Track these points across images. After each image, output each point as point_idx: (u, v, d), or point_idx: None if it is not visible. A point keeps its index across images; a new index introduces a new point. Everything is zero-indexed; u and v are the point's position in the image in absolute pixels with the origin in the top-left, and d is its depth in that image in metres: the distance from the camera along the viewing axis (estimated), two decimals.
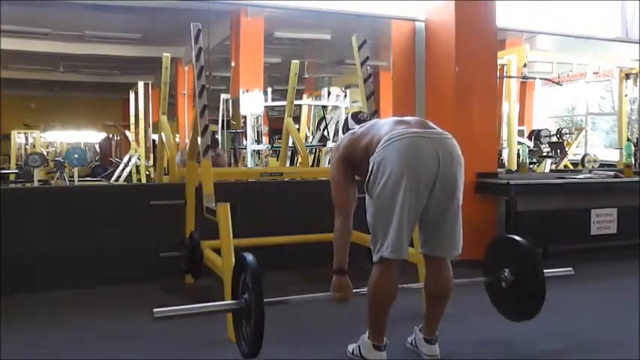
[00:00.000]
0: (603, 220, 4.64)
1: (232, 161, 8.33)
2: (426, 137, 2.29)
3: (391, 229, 2.26)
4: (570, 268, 2.95)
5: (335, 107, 8.62)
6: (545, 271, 2.67)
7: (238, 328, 2.41)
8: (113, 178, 9.90)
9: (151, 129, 9.76)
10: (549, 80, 9.71)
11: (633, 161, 6.59)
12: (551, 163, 8.35)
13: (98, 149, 16.88)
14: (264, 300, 2.24)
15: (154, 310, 2.26)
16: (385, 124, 2.40)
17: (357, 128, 2.59)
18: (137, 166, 9.73)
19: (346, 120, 2.86)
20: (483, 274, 2.87)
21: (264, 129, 8.48)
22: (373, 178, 2.30)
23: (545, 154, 8.59)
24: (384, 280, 2.35)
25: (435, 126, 2.40)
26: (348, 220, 2.42)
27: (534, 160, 8.19)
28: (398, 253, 2.28)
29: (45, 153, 11.37)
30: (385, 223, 2.28)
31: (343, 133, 2.79)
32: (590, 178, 5.08)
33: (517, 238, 2.76)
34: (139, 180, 9.47)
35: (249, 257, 2.32)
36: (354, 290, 2.43)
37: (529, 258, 2.67)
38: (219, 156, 6.27)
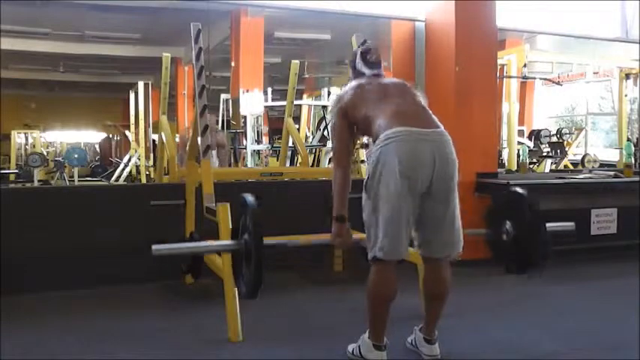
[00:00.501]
0: (603, 220, 4.63)
1: (232, 161, 8.33)
2: (423, 139, 2.31)
3: (385, 229, 2.28)
4: (572, 223, 2.93)
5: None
6: (548, 225, 2.65)
7: (238, 269, 2.42)
8: (113, 178, 9.91)
9: (150, 129, 9.75)
10: (549, 80, 9.71)
11: (633, 161, 6.61)
12: (551, 163, 8.35)
13: (98, 149, 16.88)
14: (264, 242, 2.25)
15: (153, 246, 2.26)
16: (386, 110, 2.40)
17: (364, 78, 2.59)
18: (137, 166, 9.73)
19: (355, 55, 2.71)
20: (485, 228, 2.84)
21: (264, 129, 8.48)
22: (371, 177, 2.33)
23: (545, 154, 8.59)
24: (382, 280, 2.37)
25: (430, 118, 2.41)
26: (346, 170, 2.50)
27: (534, 160, 8.19)
28: (391, 254, 2.31)
29: (45, 153, 11.36)
30: (379, 223, 2.30)
31: (351, 70, 2.72)
32: (590, 178, 5.08)
33: (520, 191, 2.75)
34: (139, 180, 9.47)
35: (250, 198, 2.32)
36: (354, 236, 2.49)
37: (531, 211, 2.65)
38: (222, 147, 6.04)
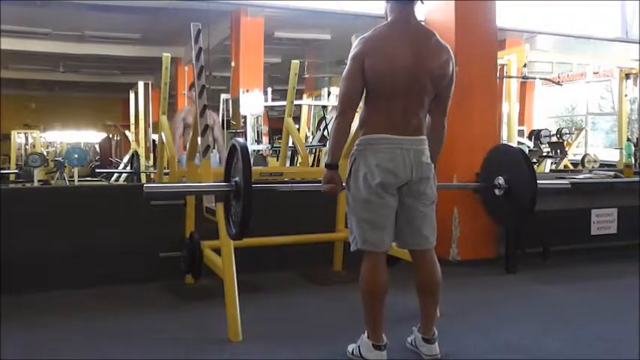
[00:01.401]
0: (603, 220, 4.63)
1: None
2: (402, 147, 2.40)
3: (363, 222, 2.41)
4: (567, 182, 2.94)
5: (335, 107, 8.61)
6: (540, 182, 2.68)
7: (228, 211, 2.51)
8: (113, 178, 9.91)
9: (150, 129, 9.75)
10: (549, 80, 9.71)
11: (633, 161, 6.61)
12: (551, 163, 8.35)
13: (98, 149, 16.88)
14: (254, 185, 2.33)
15: (145, 184, 2.28)
16: (384, 105, 2.41)
17: (393, 18, 2.45)
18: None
19: None
20: (479, 182, 2.86)
21: (264, 129, 8.48)
22: (353, 175, 2.44)
23: (545, 154, 8.59)
24: (371, 275, 2.43)
25: (416, 125, 2.43)
26: (347, 119, 2.46)
27: (534, 160, 8.19)
28: (368, 245, 2.41)
29: (45, 153, 11.36)
30: (358, 217, 2.43)
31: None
32: (590, 178, 5.08)
33: (512, 146, 2.79)
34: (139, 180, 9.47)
35: (241, 141, 2.42)
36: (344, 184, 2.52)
37: (523, 166, 2.68)
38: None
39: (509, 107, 7.49)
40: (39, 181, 9.19)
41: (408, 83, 2.39)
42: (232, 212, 2.46)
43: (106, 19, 9.55)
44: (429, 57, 2.41)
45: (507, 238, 4.20)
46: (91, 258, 3.74)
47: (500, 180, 2.72)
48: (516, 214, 2.71)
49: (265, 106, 8.38)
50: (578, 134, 9.91)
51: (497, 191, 2.75)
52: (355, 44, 2.44)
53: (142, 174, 9.44)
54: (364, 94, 2.46)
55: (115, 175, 9.89)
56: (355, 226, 2.45)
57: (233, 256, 2.87)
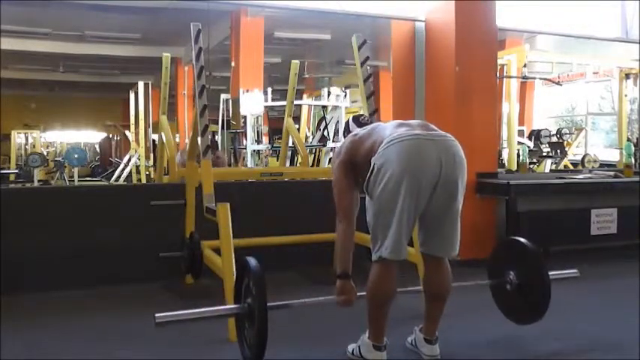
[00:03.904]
0: (603, 220, 4.63)
1: (232, 161, 8.33)
2: (428, 139, 2.29)
3: (391, 230, 2.27)
4: (575, 270, 2.95)
5: (335, 107, 8.62)
6: (550, 273, 2.67)
7: (241, 331, 2.40)
8: (113, 178, 9.91)
9: (150, 129, 9.76)
10: (549, 80, 9.70)
11: (633, 161, 6.60)
12: (551, 163, 8.35)
13: (98, 149, 16.89)
14: (268, 304, 2.23)
15: (156, 315, 2.26)
16: (387, 127, 2.41)
17: (358, 131, 2.60)
18: (137, 166, 9.74)
19: (347, 123, 2.85)
20: (488, 277, 2.86)
21: (264, 129, 8.48)
22: (374, 178, 2.30)
23: (545, 154, 8.59)
24: (383, 279, 2.37)
25: (437, 129, 2.40)
26: (350, 224, 2.40)
27: (534, 160, 8.19)
28: (397, 254, 2.30)
29: (45, 153, 11.38)
30: (385, 224, 2.28)
31: (344, 136, 2.77)
32: (590, 178, 5.08)
33: (522, 240, 2.76)
34: (139, 180, 9.48)
35: (253, 262, 2.31)
36: (358, 294, 2.41)
37: (534, 260, 2.66)
38: (219, 158, 6.22)
39: (509, 107, 7.49)
40: (39, 181, 9.21)
41: (394, 122, 2.47)
42: (246, 335, 2.35)
43: (106, 19, 9.54)
44: None
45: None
46: (91, 258, 3.74)
47: (511, 275, 2.69)
48: (530, 311, 2.69)
49: (265, 106, 8.37)
50: (578, 134, 9.91)
51: (508, 287, 2.71)
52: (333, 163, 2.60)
53: (142, 173, 9.44)
54: (367, 149, 2.38)
55: (115, 174, 9.90)
56: (382, 234, 2.30)
57: (233, 256, 2.86)
